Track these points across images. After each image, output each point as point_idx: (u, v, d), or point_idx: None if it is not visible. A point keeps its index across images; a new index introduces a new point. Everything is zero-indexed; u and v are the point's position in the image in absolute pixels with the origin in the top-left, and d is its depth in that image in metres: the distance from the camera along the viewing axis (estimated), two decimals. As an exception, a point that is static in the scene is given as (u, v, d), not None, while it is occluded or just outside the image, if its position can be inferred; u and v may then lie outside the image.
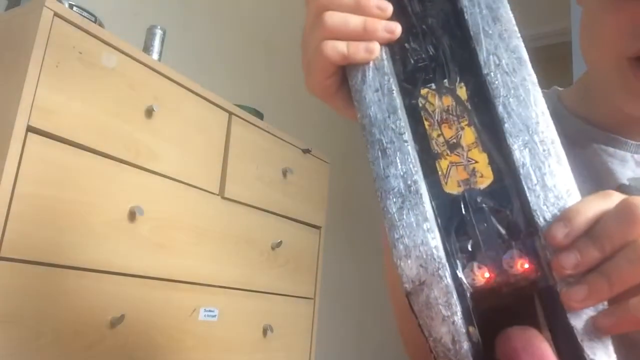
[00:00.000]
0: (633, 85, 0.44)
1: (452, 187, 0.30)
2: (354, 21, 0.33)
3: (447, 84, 0.32)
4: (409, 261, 0.28)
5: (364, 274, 2.51)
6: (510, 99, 0.30)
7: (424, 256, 0.28)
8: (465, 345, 0.27)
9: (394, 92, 0.32)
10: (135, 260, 1.05)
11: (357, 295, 2.44)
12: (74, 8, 1.04)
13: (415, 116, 0.32)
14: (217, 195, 1.28)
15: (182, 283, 1.16)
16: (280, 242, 1.43)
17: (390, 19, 0.34)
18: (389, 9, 0.34)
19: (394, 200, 0.30)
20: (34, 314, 0.88)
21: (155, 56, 1.27)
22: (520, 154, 0.29)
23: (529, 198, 0.28)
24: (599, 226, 0.27)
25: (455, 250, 0.28)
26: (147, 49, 1.27)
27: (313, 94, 0.38)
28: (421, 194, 0.29)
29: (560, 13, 2.03)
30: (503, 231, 0.28)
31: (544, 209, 0.28)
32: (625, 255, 0.26)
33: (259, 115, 1.52)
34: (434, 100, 0.32)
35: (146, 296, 1.07)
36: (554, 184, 0.28)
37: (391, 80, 0.33)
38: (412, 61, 0.33)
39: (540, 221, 0.28)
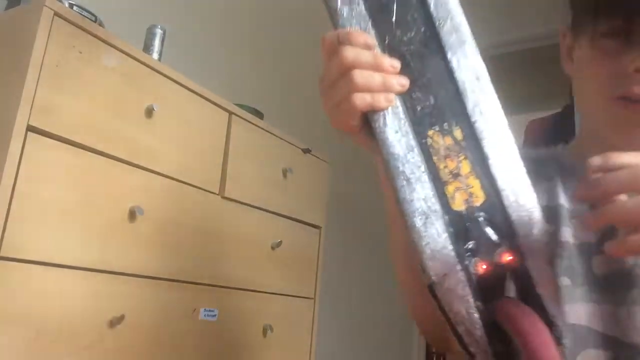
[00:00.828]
0: (620, 120, 0.56)
1: (458, 206, 0.41)
2: (376, 78, 0.42)
3: (446, 127, 0.42)
4: (435, 261, 0.40)
5: (364, 274, 2.51)
6: (492, 141, 0.42)
7: (445, 257, 0.40)
8: (476, 314, 0.39)
9: (410, 133, 0.42)
10: (135, 260, 1.05)
11: (357, 295, 2.44)
12: (74, 7, 1.04)
13: (426, 152, 0.42)
14: (217, 195, 1.28)
15: (182, 283, 1.16)
16: (280, 242, 1.43)
17: (400, 73, 0.43)
18: (399, 66, 0.43)
19: (419, 217, 0.41)
20: (34, 314, 0.88)
21: (155, 56, 1.27)
22: (501, 181, 0.41)
23: (509, 211, 0.41)
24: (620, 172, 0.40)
25: (464, 251, 0.40)
26: (147, 48, 1.27)
27: (339, 130, 0.48)
28: (438, 212, 0.41)
29: (560, 13, 2.03)
30: (494, 235, 0.41)
31: (518, 219, 0.41)
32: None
33: (259, 115, 1.52)
34: (439, 140, 0.42)
35: (146, 296, 1.07)
36: (524, 201, 0.41)
37: (406, 123, 0.42)
38: (419, 108, 0.43)
39: (517, 227, 0.40)
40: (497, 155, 0.41)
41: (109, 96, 1.02)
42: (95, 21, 1.07)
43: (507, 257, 0.40)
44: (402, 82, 0.42)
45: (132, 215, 1.04)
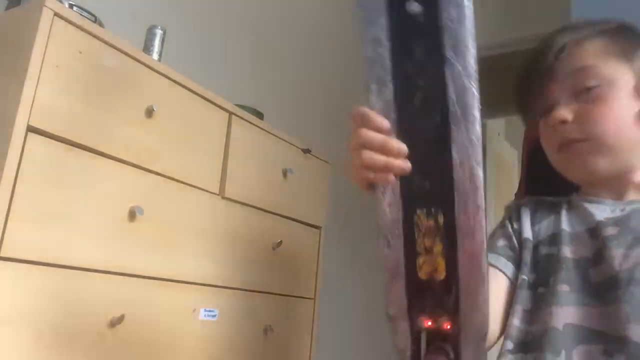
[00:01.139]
0: (566, 161, 0.75)
1: (423, 275, 0.50)
2: (380, 160, 0.50)
3: (432, 211, 0.49)
4: (393, 308, 0.51)
5: (364, 274, 2.50)
6: (465, 238, 0.48)
7: (400, 309, 0.51)
8: (409, 353, 0.50)
9: (400, 209, 0.50)
10: (135, 260, 1.05)
11: (357, 295, 2.44)
12: (74, 8, 1.04)
13: (410, 226, 0.50)
14: (217, 195, 1.28)
15: (182, 283, 1.16)
16: (280, 242, 1.43)
17: (407, 156, 0.50)
18: (406, 151, 0.49)
19: (389, 273, 0.51)
20: (34, 314, 0.88)
21: (155, 56, 1.27)
22: (461, 269, 0.49)
23: (460, 294, 0.49)
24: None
25: (416, 309, 0.50)
26: (147, 49, 1.27)
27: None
28: (404, 274, 0.50)
29: (560, 13, 2.03)
30: (444, 305, 0.49)
31: (465, 301, 0.49)
32: None
33: (259, 115, 1.52)
34: (424, 220, 0.49)
35: (146, 296, 1.07)
36: (475, 290, 0.49)
37: (399, 200, 0.50)
38: (415, 190, 0.49)
39: (462, 307, 0.49)
40: (465, 249, 0.49)
41: (109, 96, 1.02)
42: (95, 21, 1.07)
43: (447, 324, 0.49)
44: (404, 167, 0.49)
45: (132, 215, 1.04)
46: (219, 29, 1.87)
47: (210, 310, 1.22)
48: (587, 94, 0.71)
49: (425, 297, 0.50)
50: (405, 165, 0.49)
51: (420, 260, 0.50)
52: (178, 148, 1.17)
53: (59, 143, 0.93)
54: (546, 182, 0.87)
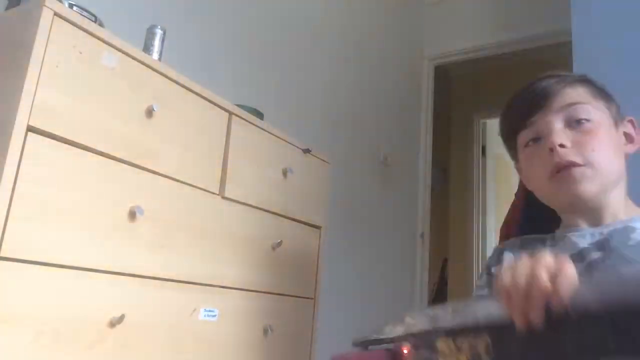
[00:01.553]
0: (561, 186, 0.79)
1: None
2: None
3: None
4: None
5: (364, 274, 2.51)
6: None
7: None
8: None
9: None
10: (135, 260, 1.05)
11: (357, 295, 2.44)
12: (74, 7, 1.04)
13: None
14: (217, 195, 1.28)
15: (182, 283, 1.16)
16: (280, 242, 1.43)
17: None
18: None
19: None
20: (34, 314, 0.88)
21: (155, 56, 1.27)
22: None
23: None
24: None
25: None
26: (147, 49, 1.27)
27: None
28: None
29: (560, 13, 2.03)
30: None
31: None
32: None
33: (259, 115, 1.52)
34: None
35: (146, 296, 1.07)
36: None
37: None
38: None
39: None
40: None
41: (109, 96, 1.02)
42: (95, 21, 1.07)
43: None
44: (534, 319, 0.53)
45: (132, 215, 1.04)
46: (219, 29, 1.87)
47: (210, 310, 1.22)
48: (579, 126, 0.80)
49: None
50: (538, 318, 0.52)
51: None
52: (178, 148, 1.17)
53: (59, 143, 0.93)
54: (537, 224, 0.93)
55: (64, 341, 0.91)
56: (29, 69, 0.88)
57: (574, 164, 0.77)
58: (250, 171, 1.39)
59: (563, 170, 0.77)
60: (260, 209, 1.41)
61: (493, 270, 0.88)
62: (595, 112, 0.81)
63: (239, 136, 1.36)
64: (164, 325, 1.11)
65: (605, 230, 0.78)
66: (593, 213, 0.81)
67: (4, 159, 0.85)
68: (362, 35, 2.68)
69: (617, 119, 0.85)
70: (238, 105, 1.39)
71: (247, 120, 1.40)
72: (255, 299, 1.37)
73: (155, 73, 1.13)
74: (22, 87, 0.87)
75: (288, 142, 1.55)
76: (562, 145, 0.78)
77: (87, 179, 0.98)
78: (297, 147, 1.58)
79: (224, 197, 1.30)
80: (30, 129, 0.88)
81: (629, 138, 0.86)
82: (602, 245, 0.76)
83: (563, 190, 0.79)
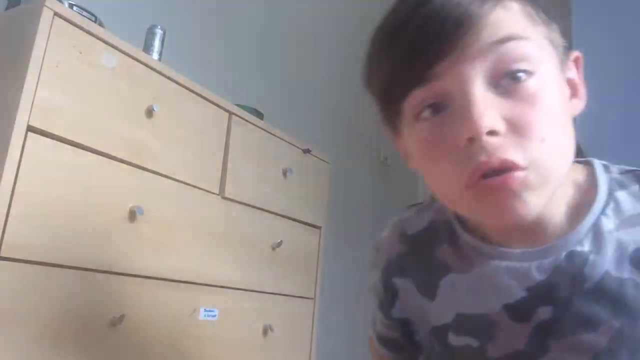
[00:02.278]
0: (483, 203, 0.45)
1: None
2: None
3: None
4: None
5: (364, 274, 2.50)
6: None
7: None
8: None
9: None
10: (135, 260, 1.05)
11: (357, 295, 2.44)
12: (74, 8, 1.04)
13: None
14: (217, 195, 1.28)
15: (182, 283, 1.16)
16: (280, 242, 1.43)
17: None
18: None
19: None
20: (34, 314, 0.88)
21: (155, 56, 1.27)
22: None
23: None
24: None
25: None
26: (147, 49, 1.27)
27: None
28: None
29: (560, 13, 2.03)
30: None
31: None
32: None
33: (259, 115, 1.52)
34: None
35: (146, 296, 1.07)
36: None
37: None
38: None
39: None
40: None
41: (109, 96, 1.02)
42: (95, 21, 1.07)
43: None
44: None
45: (132, 215, 1.04)
46: (219, 29, 1.87)
47: (210, 310, 1.22)
48: (515, 86, 0.45)
49: None
50: None
51: None
52: (178, 148, 1.17)
53: (59, 143, 0.93)
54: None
55: (64, 341, 0.91)
56: (29, 69, 0.88)
57: (511, 167, 0.43)
58: (250, 171, 1.39)
59: (492, 177, 0.43)
60: (260, 209, 1.41)
61: (395, 313, 0.66)
62: (540, 54, 0.46)
63: (239, 136, 1.36)
64: (164, 325, 1.11)
65: (546, 263, 0.51)
66: (528, 230, 0.51)
67: (4, 159, 0.85)
68: (363, 35, 2.67)
69: (562, 57, 0.50)
70: (238, 105, 1.39)
71: (247, 120, 1.40)
72: (255, 299, 1.37)
73: (155, 73, 1.13)
74: (22, 87, 0.87)
75: (288, 142, 1.55)
76: (492, 133, 0.43)
77: (87, 179, 0.97)
78: (297, 147, 1.58)
79: (224, 197, 1.30)
80: (30, 129, 0.88)
81: (573, 87, 0.52)
82: (549, 294, 0.50)
83: (490, 211, 0.46)
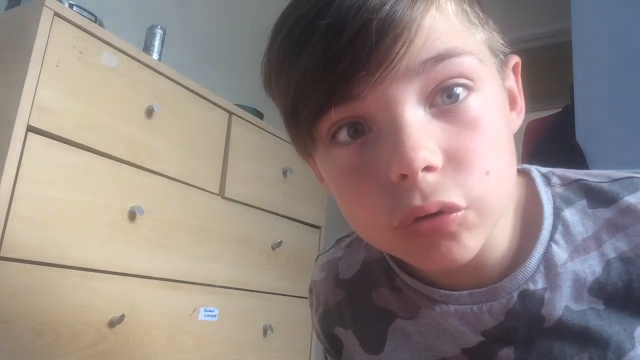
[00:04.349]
0: (415, 247, 0.38)
1: None
2: None
3: None
4: None
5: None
6: None
7: None
8: None
9: None
10: (135, 260, 1.05)
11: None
12: (74, 8, 1.04)
13: None
14: (217, 195, 1.28)
15: (182, 283, 1.16)
16: (280, 242, 1.43)
17: None
18: None
19: None
20: (34, 314, 0.87)
21: (155, 56, 1.27)
22: None
23: None
24: None
25: None
26: (147, 49, 1.27)
27: None
28: None
29: (560, 13, 2.03)
30: None
31: None
32: None
33: (259, 115, 1.52)
34: None
35: (146, 296, 1.07)
36: None
37: None
38: None
39: None
40: None
41: (109, 96, 1.02)
42: (95, 21, 1.07)
43: None
44: None
45: (132, 215, 1.04)
46: (219, 29, 1.87)
47: (210, 310, 1.22)
48: (451, 106, 0.37)
49: None
50: None
51: None
52: (178, 148, 1.17)
53: (59, 143, 0.93)
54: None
55: (64, 341, 0.91)
56: (29, 69, 0.88)
57: (450, 209, 0.36)
58: (250, 171, 1.39)
59: (426, 221, 0.36)
60: (260, 209, 1.41)
61: None
62: (481, 67, 0.38)
63: (239, 136, 1.36)
64: (164, 325, 1.11)
65: (497, 306, 0.45)
66: (470, 269, 0.43)
67: (4, 159, 0.85)
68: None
69: (501, 65, 0.43)
70: (238, 105, 1.39)
71: (247, 120, 1.40)
72: (255, 299, 1.37)
73: (155, 73, 1.13)
74: (22, 87, 0.87)
75: (288, 142, 1.54)
76: (429, 169, 0.35)
77: (87, 179, 0.97)
78: (297, 147, 1.58)
79: (224, 197, 1.30)
80: (30, 129, 0.88)
81: (511, 98, 0.45)
82: (506, 336, 0.45)
83: (423, 256, 0.39)
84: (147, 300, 1.07)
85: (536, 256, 0.44)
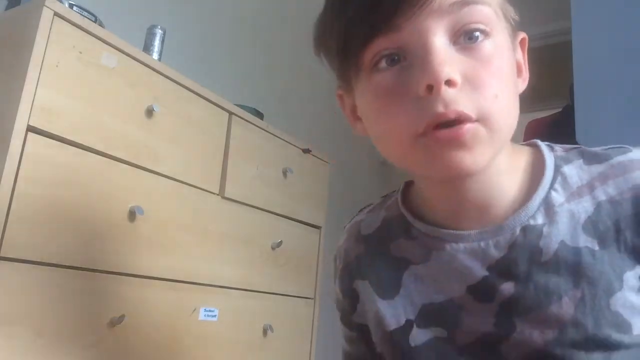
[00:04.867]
0: (433, 153, 0.46)
1: None
2: None
3: None
4: None
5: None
6: None
7: None
8: None
9: None
10: (135, 260, 1.05)
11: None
12: (74, 8, 1.04)
13: None
14: (217, 195, 1.28)
15: (182, 283, 1.16)
16: (280, 242, 1.43)
17: None
18: None
19: None
20: (34, 314, 0.88)
21: (155, 56, 1.27)
22: None
23: None
24: None
25: None
26: (147, 49, 1.27)
27: None
28: None
29: (560, 13, 2.03)
30: None
31: None
32: None
33: (259, 115, 1.52)
34: None
35: (146, 296, 1.07)
36: None
37: None
38: None
39: None
40: None
41: (109, 96, 1.02)
42: (95, 21, 1.07)
43: None
44: None
45: (132, 215, 1.04)
46: (219, 29, 1.87)
47: (210, 310, 1.22)
48: (471, 45, 0.46)
49: None
50: None
51: None
52: (178, 148, 1.17)
53: (59, 143, 0.93)
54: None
55: (64, 341, 0.91)
56: (29, 69, 0.88)
57: (465, 119, 0.44)
58: (250, 171, 1.39)
59: (445, 128, 0.44)
60: (260, 209, 1.41)
61: (355, 318, 0.65)
62: (496, 20, 0.48)
63: (239, 136, 1.36)
64: (164, 325, 1.11)
65: (502, 240, 0.52)
66: (479, 210, 0.53)
67: (4, 159, 0.85)
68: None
69: (512, 34, 0.52)
70: (238, 105, 1.39)
71: (247, 120, 1.40)
72: (255, 299, 1.37)
73: (155, 73, 1.13)
74: (22, 87, 0.87)
75: (288, 142, 1.55)
76: (450, 83, 0.44)
77: (87, 179, 0.97)
78: (297, 147, 1.58)
79: (224, 197, 1.30)
80: (30, 129, 0.88)
81: (518, 68, 0.54)
82: (507, 270, 0.51)
83: (437, 162, 0.46)
84: (147, 300, 1.07)
85: (537, 199, 0.52)
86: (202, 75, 1.40)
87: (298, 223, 1.55)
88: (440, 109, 0.44)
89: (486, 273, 0.52)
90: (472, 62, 0.46)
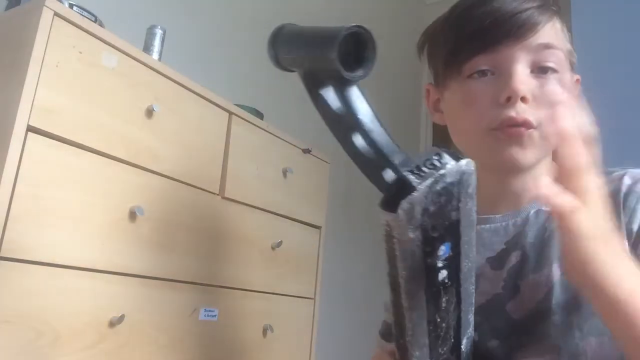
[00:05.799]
0: (499, 145, 0.64)
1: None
2: None
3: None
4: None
5: (364, 274, 2.51)
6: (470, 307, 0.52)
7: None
8: None
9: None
10: (135, 260, 1.05)
11: (357, 295, 2.44)
12: (74, 8, 1.04)
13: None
14: (217, 195, 1.28)
15: (182, 283, 1.16)
16: (280, 242, 1.43)
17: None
18: None
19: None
20: (34, 314, 0.88)
21: (155, 56, 1.27)
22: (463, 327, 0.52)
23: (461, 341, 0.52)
24: None
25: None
26: (147, 49, 1.27)
27: None
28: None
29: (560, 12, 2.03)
30: None
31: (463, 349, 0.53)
32: None
33: (259, 115, 1.52)
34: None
35: (146, 296, 1.07)
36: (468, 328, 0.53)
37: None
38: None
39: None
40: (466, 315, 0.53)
41: (109, 96, 1.02)
42: (95, 21, 1.07)
43: None
44: None
45: (132, 215, 1.04)
46: (218, 29, 1.87)
47: (210, 310, 1.22)
48: (544, 76, 0.64)
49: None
50: None
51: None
52: (178, 148, 1.17)
53: (59, 143, 0.93)
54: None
55: (64, 341, 0.91)
56: (29, 69, 0.88)
57: (528, 125, 0.62)
58: (250, 171, 1.39)
59: (512, 128, 0.63)
60: (260, 209, 1.40)
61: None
62: (564, 62, 0.66)
63: (239, 136, 1.36)
64: (164, 325, 1.11)
65: (519, 219, 0.68)
66: (513, 197, 0.69)
67: (4, 159, 0.85)
68: (362, 35, 2.67)
69: (571, 74, 0.69)
70: (238, 105, 1.39)
71: (247, 120, 1.40)
72: (255, 299, 1.37)
73: (155, 73, 1.13)
74: (22, 87, 0.87)
75: (288, 142, 1.55)
76: (523, 99, 0.62)
77: (87, 179, 0.97)
78: (297, 147, 1.58)
79: (224, 197, 1.29)
80: (30, 129, 0.88)
81: None
82: (517, 241, 0.67)
83: (501, 151, 0.64)
84: (147, 300, 1.07)
85: None
86: (202, 75, 1.40)
87: (298, 223, 1.55)
88: (513, 114, 0.62)
89: (504, 247, 0.67)
90: (541, 88, 0.63)
